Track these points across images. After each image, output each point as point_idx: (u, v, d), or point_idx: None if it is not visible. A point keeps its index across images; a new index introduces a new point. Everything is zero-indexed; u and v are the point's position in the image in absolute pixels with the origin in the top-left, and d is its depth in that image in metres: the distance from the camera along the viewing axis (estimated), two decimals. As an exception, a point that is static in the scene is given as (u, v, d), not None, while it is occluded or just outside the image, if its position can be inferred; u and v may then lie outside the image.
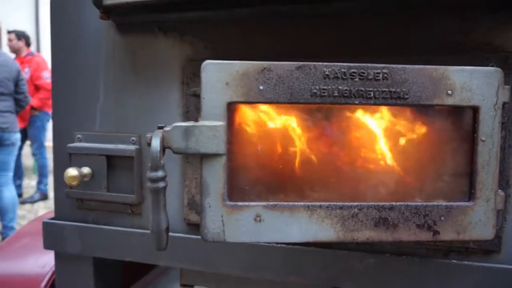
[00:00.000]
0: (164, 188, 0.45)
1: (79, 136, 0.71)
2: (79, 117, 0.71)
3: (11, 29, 4.48)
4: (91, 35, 0.69)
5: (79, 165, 0.68)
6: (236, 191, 0.48)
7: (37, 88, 4.01)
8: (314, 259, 0.59)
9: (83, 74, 0.70)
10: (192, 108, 0.65)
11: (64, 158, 0.71)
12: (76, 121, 0.71)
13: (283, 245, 0.60)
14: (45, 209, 4.22)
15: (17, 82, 2.88)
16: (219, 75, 0.46)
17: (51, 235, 0.73)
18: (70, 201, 0.72)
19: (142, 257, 0.68)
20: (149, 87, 0.67)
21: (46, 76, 4.24)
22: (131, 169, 0.68)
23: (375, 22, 0.58)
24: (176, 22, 0.65)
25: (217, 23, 0.64)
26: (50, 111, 4.36)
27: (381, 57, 0.51)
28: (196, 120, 0.62)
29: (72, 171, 0.65)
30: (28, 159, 5.26)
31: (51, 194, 4.69)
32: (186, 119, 0.64)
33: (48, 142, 4.72)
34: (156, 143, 0.43)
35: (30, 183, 4.94)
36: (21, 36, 4.21)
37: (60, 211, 0.74)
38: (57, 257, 0.76)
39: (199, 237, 0.61)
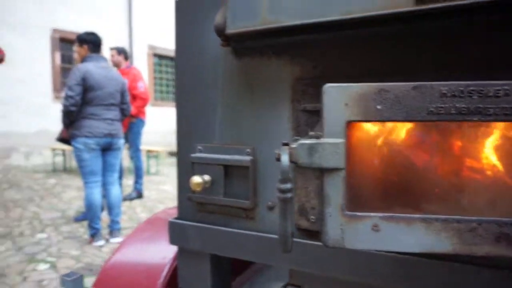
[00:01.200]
0: (292, 198, 0.51)
1: (200, 147, 0.81)
2: (200, 131, 0.81)
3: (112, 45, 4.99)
4: (211, 59, 0.79)
5: (200, 173, 0.78)
6: (354, 202, 0.52)
7: (133, 97, 4.46)
8: (425, 269, 0.61)
9: (203, 93, 0.81)
10: (302, 122, 0.71)
11: (186, 166, 0.82)
12: (197, 134, 0.82)
13: (394, 253, 0.62)
14: (141, 206, 4.65)
15: (122, 93, 3.24)
16: (339, 97, 0.51)
17: (176, 232, 0.85)
18: (191, 204, 0.83)
19: (255, 257, 0.76)
20: (262, 104, 0.74)
21: (141, 86, 4.69)
22: (245, 178, 0.76)
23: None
24: (288, 45, 0.71)
25: (324, 44, 0.69)
26: (144, 118, 4.82)
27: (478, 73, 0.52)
28: (306, 133, 0.67)
29: (197, 179, 0.75)
30: (125, 161, 5.81)
31: (145, 193, 5.16)
32: (297, 133, 0.70)
33: (143, 146, 5.20)
34: (285, 159, 0.50)
35: (127, 183, 5.50)
36: (121, 51, 4.70)
37: (183, 212, 0.85)
38: (180, 252, 0.87)
39: (309, 241, 0.66)
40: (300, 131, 0.70)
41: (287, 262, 0.72)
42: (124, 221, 3.82)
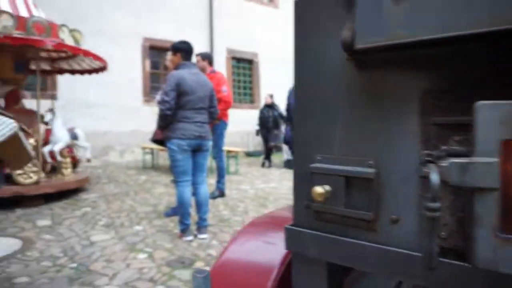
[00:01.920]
0: (439, 217, 0.51)
1: (319, 157, 0.83)
2: (320, 141, 0.84)
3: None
4: (332, 71, 0.81)
5: (319, 183, 0.81)
6: (509, 224, 0.50)
7: (218, 100, 4.67)
8: None
9: (324, 104, 0.83)
10: (431, 136, 0.69)
11: (304, 176, 0.85)
12: (317, 144, 0.84)
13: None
14: (223, 204, 4.85)
15: (210, 97, 3.43)
16: (493, 114, 0.50)
17: (292, 238, 0.88)
18: (309, 212, 0.86)
19: (375, 269, 0.76)
20: (387, 117, 0.74)
21: (224, 89, 4.90)
22: (367, 189, 0.76)
23: None
24: (417, 57, 0.70)
25: (456, 56, 0.67)
26: (227, 120, 5.03)
27: None
28: (437, 148, 0.66)
29: (319, 189, 0.78)
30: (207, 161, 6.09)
31: (226, 192, 5.37)
32: (425, 147, 0.69)
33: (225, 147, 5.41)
34: (435, 177, 0.50)
35: (209, 182, 5.78)
36: (205, 57, 4.95)
37: (299, 220, 0.88)
38: (295, 257, 0.91)
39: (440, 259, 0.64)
40: (429, 146, 0.69)
41: (409, 276, 0.71)
42: (208, 219, 4.04)
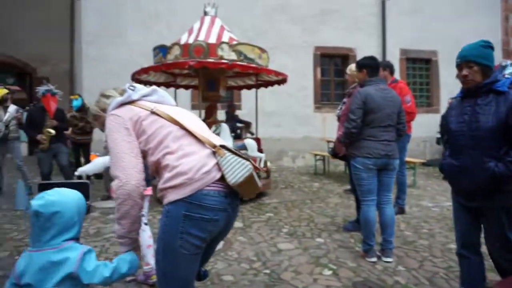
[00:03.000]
0: None
1: None
2: None
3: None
4: None
5: None
6: None
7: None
8: None
9: None
10: None
11: None
12: None
13: None
14: (404, 222, 4.54)
15: (398, 113, 3.24)
16: None
17: None
18: None
19: None
20: None
21: (408, 100, 4.56)
22: None
23: None
24: None
25: None
26: (410, 133, 4.67)
27: None
28: None
29: None
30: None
31: (406, 208, 5.01)
32: None
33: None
34: None
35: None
36: (386, 66, 4.70)
37: None
38: None
39: None
40: None
41: None
42: (391, 239, 3.84)
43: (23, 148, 8.11)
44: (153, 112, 1.54)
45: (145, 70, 5.90)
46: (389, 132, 3.20)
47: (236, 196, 1.55)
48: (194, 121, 1.64)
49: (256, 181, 1.51)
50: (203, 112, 6.23)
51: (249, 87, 7.63)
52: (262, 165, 6.17)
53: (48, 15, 14.83)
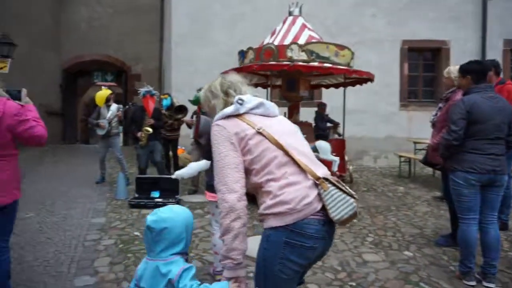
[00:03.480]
0: None
1: None
2: None
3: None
4: None
5: None
6: None
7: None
8: None
9: None
10: None
11: None
12: None
13: None
14: (508, 242, 4.10)
15: (509, 124, 2.91)
16: None
17: None
18: None
19: None
20: None
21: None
22: None
23: None
24: None
25: None
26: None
27: None
28: None
29: None
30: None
31: (510, 224, 4.49)
32: None
33: None
34: None
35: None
36: (491, 65, 4.24)
37: None
38: None
39: None
40: None
41: None
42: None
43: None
44: (259, 132, 1.55)
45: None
46: (497, 145, 2.88)
47: (333, 224, 1.53)
48: (297, 141, 1.63)
49: (357, 213, 1.48)
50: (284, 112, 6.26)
51: (337, 85, 7.45)
52: (335, 169, 5.90)
53: (140, 20, 16.24)
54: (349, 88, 7.56)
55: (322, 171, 1.55)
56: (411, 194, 6.34)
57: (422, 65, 9.90)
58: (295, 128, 1.75)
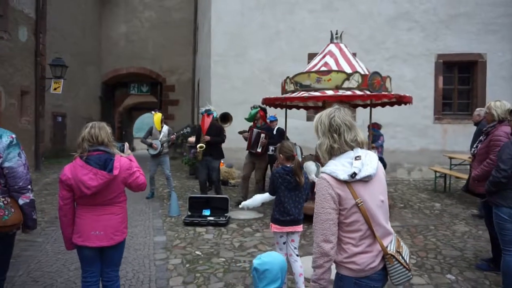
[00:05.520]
0: None
1: None
2: None
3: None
4: None
5: None
6: None
7: None
8: None
9: None
10: None
11: None
12: None
13: None
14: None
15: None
16: None
17: None
18: None
19: None
20: None
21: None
22: None
23: None
24: None
25: None
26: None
27: None
28: None
29: None
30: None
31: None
32: None
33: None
34: None
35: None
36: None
37: None
38: None
39: None
40: None
41: None
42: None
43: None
44: (357, 205, 1.80)
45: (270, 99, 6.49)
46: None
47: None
48: (382, 212, 1.87)
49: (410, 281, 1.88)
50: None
51: (365, 106, 7.69)
52: None
53: (175, 33, 17.00)
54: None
55: (388, 238, 1.89)
56: (448, 211, 6.52)
57: (457, 78, 9.96)
58: (384, 182, 1.93)
